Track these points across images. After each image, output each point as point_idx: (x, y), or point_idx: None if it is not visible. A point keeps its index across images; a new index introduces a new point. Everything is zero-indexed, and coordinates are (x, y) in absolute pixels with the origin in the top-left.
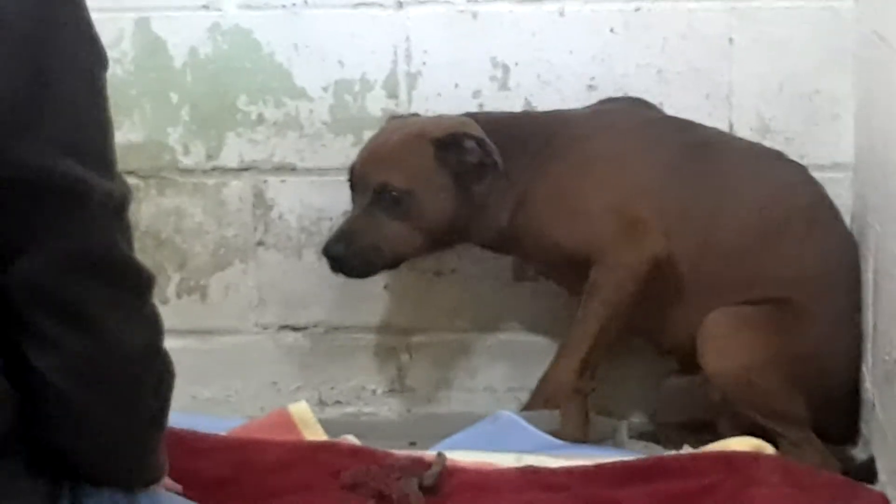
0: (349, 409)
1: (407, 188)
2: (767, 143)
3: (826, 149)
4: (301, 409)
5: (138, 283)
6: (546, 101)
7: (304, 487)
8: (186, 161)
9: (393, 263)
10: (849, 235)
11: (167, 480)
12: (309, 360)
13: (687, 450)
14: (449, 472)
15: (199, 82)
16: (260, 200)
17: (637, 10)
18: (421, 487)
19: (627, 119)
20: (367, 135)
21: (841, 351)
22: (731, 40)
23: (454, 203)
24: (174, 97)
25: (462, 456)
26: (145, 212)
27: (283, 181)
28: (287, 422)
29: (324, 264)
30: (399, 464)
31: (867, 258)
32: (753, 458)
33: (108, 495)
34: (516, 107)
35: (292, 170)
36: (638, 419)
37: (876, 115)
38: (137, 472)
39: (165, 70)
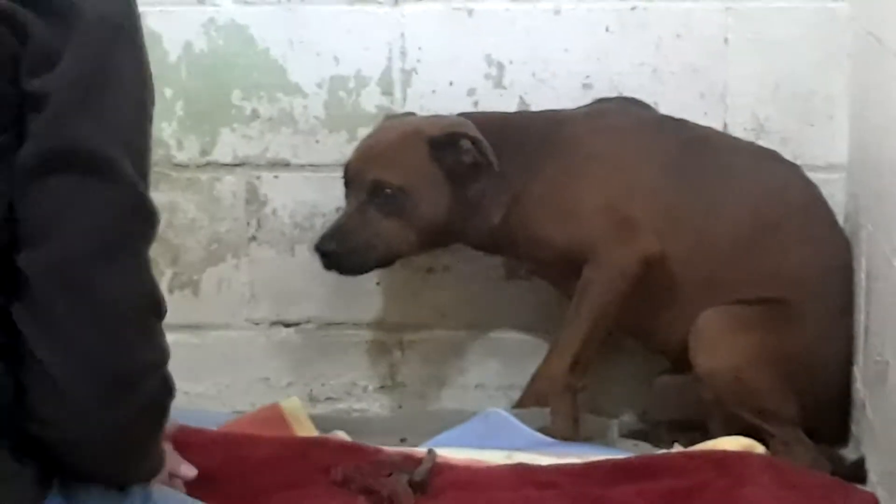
0: (340, 406)
1: (401, 186)
2: (762, 143)
3: (820, 149)
4: (292, 405)
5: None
6: (541, 100)
7: (294, 483)
8: (180, 156)
9: (386, 261)
10: (842, 236)
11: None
12: (300, 355)
13: (677, 449)
14: (439, 469)
15: (194, 77)
16: (253, 196)
17: (633, 9)
18: (411, 484)
19: (622, 119)
20: (362, 131)
21: (832, 351)
22: (726, 40)
23: (448, 202)
24: (168, 92)
25: (452, 453)
26: None
27: (276, 177)
28: (278, 417)
29: (316, 260)
30: (389, 460)
31: (859, 259)
32: (744, 457)
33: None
34: (511, 105)
35: (286, 166)
36: (629, 418)
37: (870, 116)
38: (134, 466)
39: (160, 65)
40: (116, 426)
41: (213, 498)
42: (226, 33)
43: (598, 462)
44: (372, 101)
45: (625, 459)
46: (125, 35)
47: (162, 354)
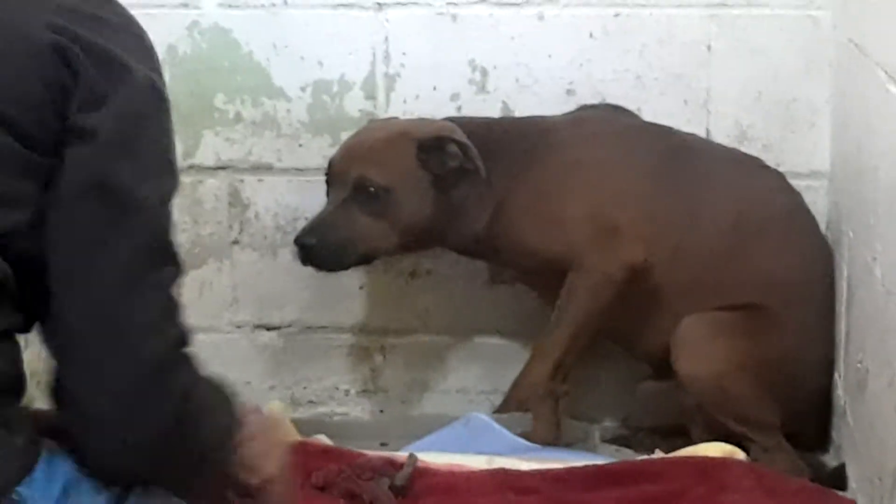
0: (322, 409)
1: (385, 185)
2: (744, 150)
3: (803, 157)
4: (274, 409)
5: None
6: (524, 105)
7: None
8: None
9: (364, 259)
10: (824, 243)
11: None
12: (282, 359)
13: (659, 454)
14: (420, 474)
15: (177, 80)
16: (236, 199)
17: (616, 15)
18: (392, 488)
19: (606, 126)
20: (345, 135)
21: (813, 358)
22: (709, 47)
23: (431, 205)
24: None
25: (433, 457)
26: None
27: (259, 180)
28: None
29: (299, 264)
30: (371, 464)
31: (841, 266)
32: (725, 463)
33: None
34: (494, 110)
35: (269, 169)
36: (610, 423)
37: (852, 124)
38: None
39: None
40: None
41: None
42: (209, 36)
43: (579, 467)
44: (355, 106)
45: (606, 465)
46: (165, 104)
47: (190, 380)
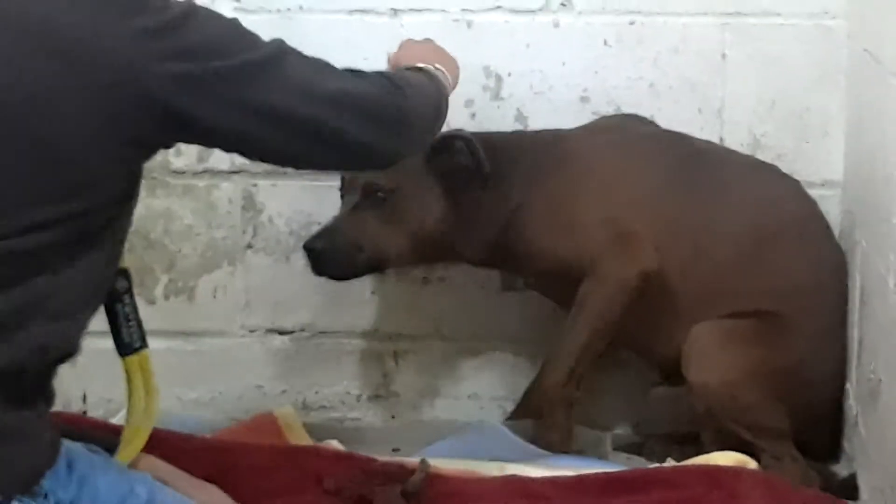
0: (334, 414)
1: (393, 187)
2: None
3: (816, 166)
4: (286, 413)
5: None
6: (538, 112)
7: (287, 491)
8: (177, 163)
9: (375, 265)
10: (839, 251)
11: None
12: (294, 363)
13: (670, 463)
14: (432, 480)
15: None
16: (250, 203)
17: (631, 23)
18: (404, 494)
19: (621, 134)
20: None
21: (825, 366)
22: (723, 56)
23: (441, 209)
24: None
25: (445, 463)
26: (135, 212)
27: (273, 185)
28: (272, 425)
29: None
30: (382, 470)
31: (854, 275)
32: (736, 472)
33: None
34: (508, 116)
35: (283, 174)
36: (622, 430)
37: (866, 133)
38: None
39: None
40: None
41: None
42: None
43: (591, 475)
44: None
45: (617, 472)
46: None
47: None
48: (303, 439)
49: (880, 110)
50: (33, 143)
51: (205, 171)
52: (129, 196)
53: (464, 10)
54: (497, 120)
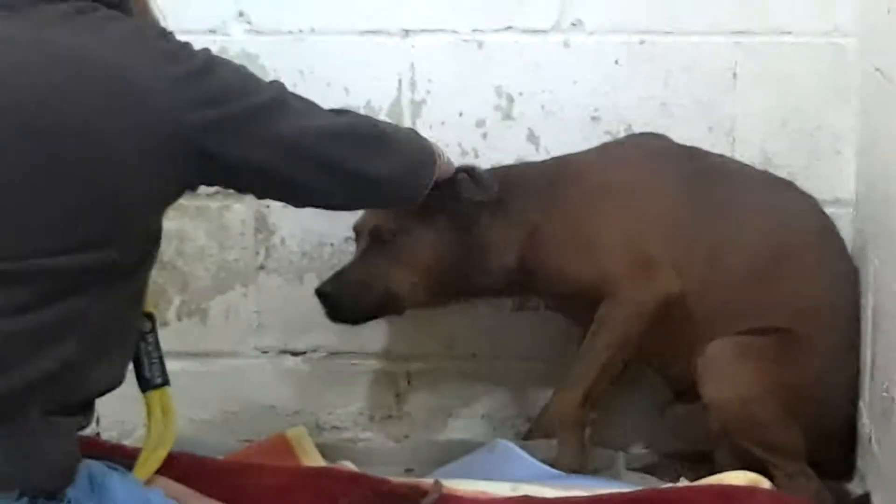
0: (346, 435)
1: (398, 228)
2: None
3: (828, 184)
4: (299, 434)
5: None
6: (549, 132)
7: None
8: None
9: (388, 305)
10: (853, 268)
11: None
12: (307, 384)
13: (684, 482)
14: (445, 500)
15: None
16: (262, 225)
17: (641, 42)
18: None
19: (635, 149)
20: None
21: (839, 385)
22: (734, 74)
23: (451, 242)
24: None
25: (458, 484)
26: None
27: (285, 206)
28: (285, 447)
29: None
30: (395, 491)
31: (866, 294)
32: (750, 492)
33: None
34: (519, 136)
35: None
36: (635, 450)
37: (878, 152)
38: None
39: None
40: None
41: None
42: (237, 62)
43: (604, 495)
44: None
45: (631, 493)
46: (209, 55)
47: None
48: (316, 460)
49: (892, 128)
50: (84, 173)
51: (217, 193)
52: (158, 233)
53: (475, 30)
54: (508, 140)
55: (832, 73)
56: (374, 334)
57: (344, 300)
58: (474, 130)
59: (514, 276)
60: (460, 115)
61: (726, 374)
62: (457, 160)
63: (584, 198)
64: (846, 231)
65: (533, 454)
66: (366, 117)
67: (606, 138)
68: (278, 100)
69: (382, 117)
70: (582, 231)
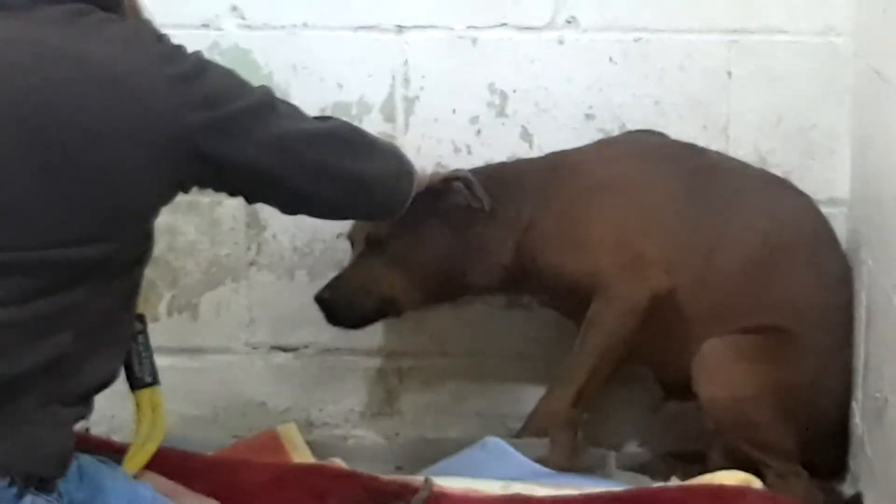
0: (337, 432)
1: (393, 233)
2: None
3: (822, 183)
4: (289, 431)
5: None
6: (543, 129)
7: None
8: None
9: (386, 309)
10: (848, 268)
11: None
12: (298, 381)
13: (675, 482)
14: (435, 498)
15: None
16: (254, 220)
17: (636, 40)
18: None
19: (630, 147)
20: None
21: (833, 385)
22: (729, 73)
23: (446, 245)
24: None
25: (449, 482)
26: None
27: None
28: (275, 443)
29: (316, 286)
30: (386, 488)
31: (860, 294)
32: (741, 492)
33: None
34: (513, 133)
35: None
36: (628, 449)
37: (872, 151)
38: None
39: None
40: None
41: None
42: (230, 57)
43: (595, 494)
44: (374, 128)
45: (622, 491)
46: (196, 56)
47: None
48: (306, 457)
49: (887, 128)
50: (84, 168)
51: None
52: (152, 232)
53: (469, 27)
54: (502, 137)
55: (826, 72)
56: (366, 331)
57: (342, 306)
58: (468, 127)
59: (509, 274)
60: (454, 111)
61: (721, 373)
62: (450, 157)
63: (578, 194)
64: (840, 230)
65: (524, 452)
66: (350, 124)
67: (600, 136)
68: (268, 102)
69: (376, 113)
70: (575, 228)
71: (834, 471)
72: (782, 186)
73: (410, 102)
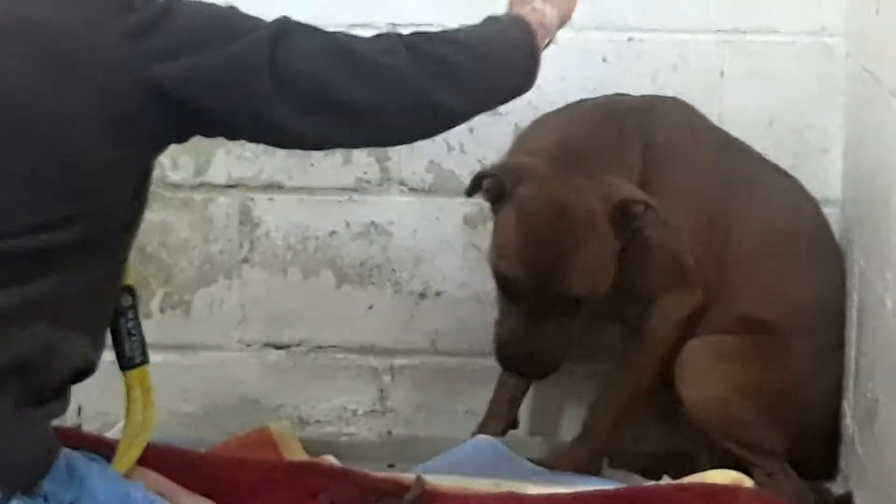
0: (329, 429)
1: (591, 292)
2: None
3: (814, 184)
4: (282, 428)
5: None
6: None
7: None
8: (174, 176)
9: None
10: (842, 270)
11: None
12: (291, 378)
13: (667, 481)
14: (428, 496)
15: None
16: (247, 217)
17: (629, 39)
18: None
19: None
20: (356, 154)
21: (822, 385)
22: (722, 73)
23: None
24: None
25: (441, 480)
26: None
27: (270, 199)
28: (268, 440)
29: (309, 283)
30: (378, 486)
31: (851, 295)
32: (734, 491)
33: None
34: (506, 133)
35: (280, 188)
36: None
37: (864, 152)
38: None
39: None
40: None
41: None
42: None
43: (588, 493)
44: None
45: (614, 490)
46: None
47: None
48: (298, 454)
49: (879, 129)
50: (38, 144)
51: (202, 185)
52: (140, 200)
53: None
54: (495, 136)
55: (819, 72)
56: (359, 329)
57: (539, 367)
58: (461, 126)
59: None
60: None
61: (704, 373)
62: (444, 156)
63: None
64: (832, 230)
65: (517, 451)
66: (396, 39)
67: None
68: (262, 46)
69: None
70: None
71: (824, 470)
72: (791, 182)
73: None
